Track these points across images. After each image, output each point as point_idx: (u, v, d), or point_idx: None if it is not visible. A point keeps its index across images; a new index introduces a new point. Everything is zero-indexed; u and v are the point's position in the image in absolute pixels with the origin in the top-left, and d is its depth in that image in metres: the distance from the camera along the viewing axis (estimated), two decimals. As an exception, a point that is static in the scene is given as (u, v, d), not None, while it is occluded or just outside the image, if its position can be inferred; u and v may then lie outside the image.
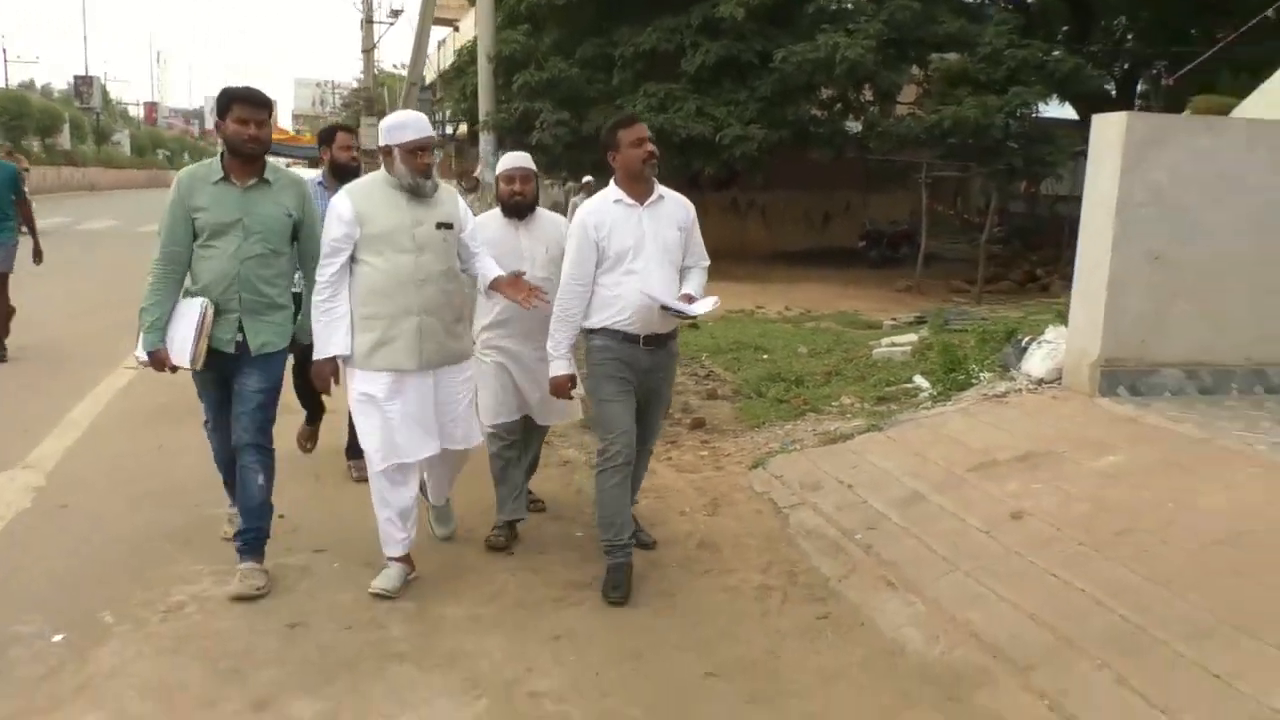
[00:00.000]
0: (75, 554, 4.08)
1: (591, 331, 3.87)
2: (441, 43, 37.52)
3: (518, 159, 4.33)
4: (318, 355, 3.67)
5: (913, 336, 8.31)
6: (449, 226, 3.75)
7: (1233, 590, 3.27)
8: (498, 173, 4.34)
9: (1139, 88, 21.77)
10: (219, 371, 3.70)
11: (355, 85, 50.87)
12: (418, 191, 3.66)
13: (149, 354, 3.60)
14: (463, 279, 3.93)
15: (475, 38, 19.21)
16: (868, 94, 17.95)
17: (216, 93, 3.66)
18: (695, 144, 16.52)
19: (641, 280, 3.77)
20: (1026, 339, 6.16)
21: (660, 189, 3.94)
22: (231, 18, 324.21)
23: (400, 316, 3.62)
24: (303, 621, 3.54)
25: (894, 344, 7.96)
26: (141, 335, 3.61)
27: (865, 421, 5.76)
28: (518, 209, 4.25)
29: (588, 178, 16.07)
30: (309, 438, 5.26)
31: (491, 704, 3.03)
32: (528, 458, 4.58)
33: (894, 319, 11.11)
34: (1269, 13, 10.14)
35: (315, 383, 3.81)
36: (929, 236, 16.88)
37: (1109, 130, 5.34)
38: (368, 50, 24.81)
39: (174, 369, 3.63)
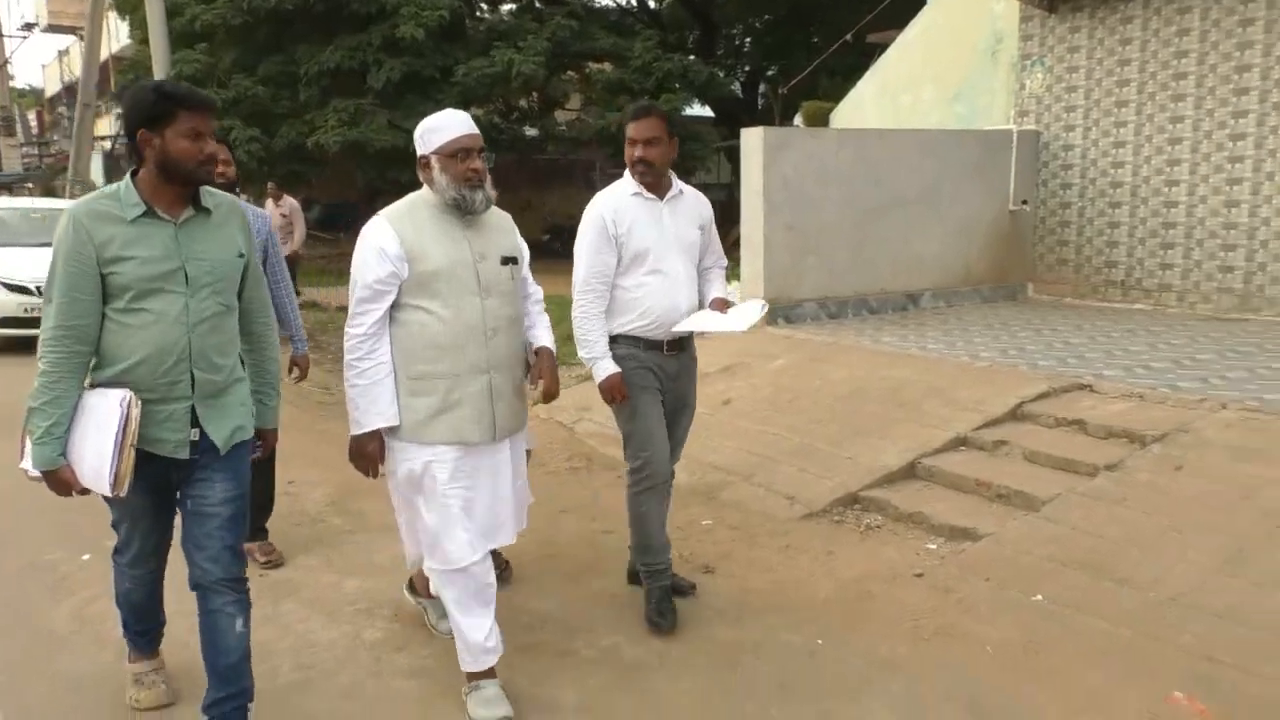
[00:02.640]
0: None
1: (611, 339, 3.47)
2: (64, 51, 34.98)
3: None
4: (358, 429, 2.89)
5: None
6: (514, 261, 3.06)
7: (852, 418, 5.52)
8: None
9: (761, 88, 25.71)
10: (152, 480, 2.61)
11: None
12: (467, 207, 2.90)
13: (44, 473, 2.50)
14: None
15: (135, 53, 18.86)
16: (539, 102, 20.05)
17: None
18: (391, 154, 17.71)
19: (669, 284, 3.44)
20: (711, 293, 8.40)
21: (679, 183, 3.59)
22: None
23: (467, 376, 2.90)
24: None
25: (609, 311, 9.98)
26: (31, 447, 2.48)
27: (607, 364, 7.67)
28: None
29: (270, 183, 16.60)
30: (267, 554, 4.14)
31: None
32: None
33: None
34: (848, 37, 13.36)
35: (356, 464, 2.95)
36: (607, 226, 19.32)
37: (752, 139, 7.64)
38: (1, 65, 22.94)
39: (84, 492, 2.54)
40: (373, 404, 2.86)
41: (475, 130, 2.95)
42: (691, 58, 19.99)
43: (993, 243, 9.02)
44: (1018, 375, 5.80)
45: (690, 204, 3.59)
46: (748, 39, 26.18)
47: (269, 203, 11.95)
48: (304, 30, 18.17)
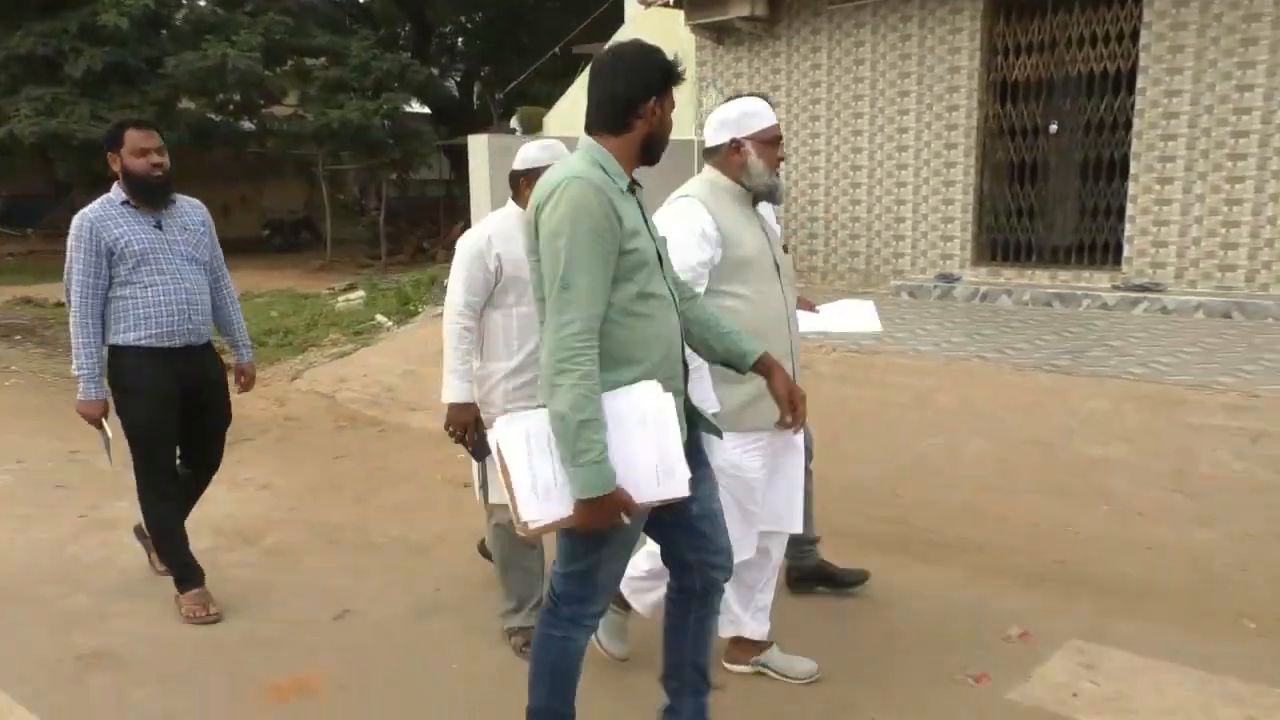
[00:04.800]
0: None
1: None
2: None
3: (559, 146, 3.20)
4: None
5: (360, 293, 11.23)
6: (786, 250, 3.07)
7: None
8: (544, 164, 3.05)
9: (476, 88, 26.82)
10: None
11: None
12: (776, 196, 2.92)
13: (588, 500, 2.10)
14: (453, 304, 3.20)
15: None
16: (258, 97, 19.97)
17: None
18: (96, 146, 17.05)
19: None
20: (446, 281, 9.52)
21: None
22: None
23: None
24: None
25: (349, 299, 10.81)
26: (581, 471, 2.09)
27: (357, 344, 8.61)
28: None
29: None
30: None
31: None
32: None
33: (331, 288, 13.81)
34: (555, 50, 14.88)
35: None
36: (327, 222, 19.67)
37: (479, 145, 8.89)
38: None
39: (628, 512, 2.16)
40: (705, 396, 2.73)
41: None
42: (408, 55, 20.72)
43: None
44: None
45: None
46: (460, 39, 27.22)
47: None
48: (-16, 12, 17.06)
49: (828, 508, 4.09)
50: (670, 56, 2.30)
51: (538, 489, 2.15)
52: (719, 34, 10.62)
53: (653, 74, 2.25)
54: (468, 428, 3.22)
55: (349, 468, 5.71)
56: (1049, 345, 6.56)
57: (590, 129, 2.29)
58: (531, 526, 2.15)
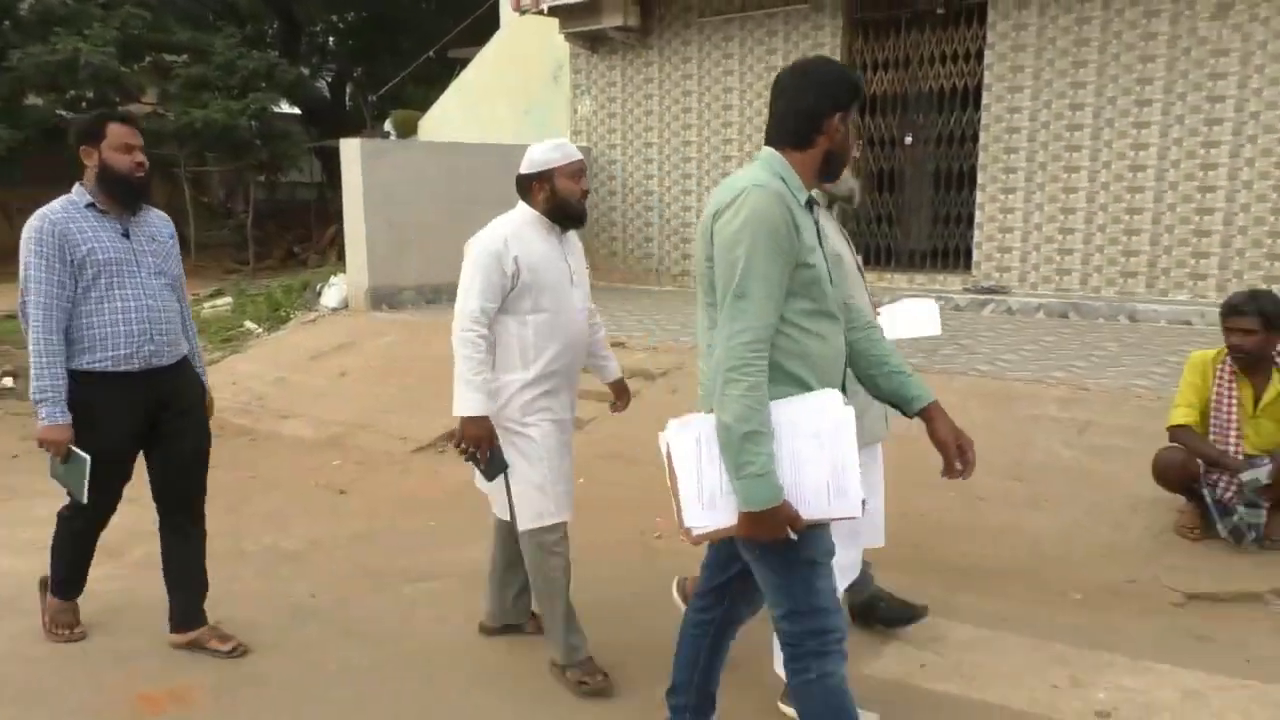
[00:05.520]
0: None
1: None
2: None
3: (570, 146, 3.19)
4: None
5: (227, 299, 10.91)
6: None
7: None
8: (557, 165, 3.13)
9: (349, 90, 26.23)
10: None
11: None
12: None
13: (754, 514, 2.08)
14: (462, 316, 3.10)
15: None
16: (114, 95, 19.05)
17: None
18: (-68, 144, 16.02)
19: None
20: (320, 285, 9.37)
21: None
22: None
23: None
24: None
25: (215, 305, 10.49)
26: (746, 484, 2.07)
27: (226, 351, 8.38)
28: (579, 216, 3.22)
29: None
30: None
31: None
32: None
33: (195, 294, 13.35)
34: (431, 53, 14.77)
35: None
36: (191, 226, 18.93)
37: (351, 149, 8.76)
38: None
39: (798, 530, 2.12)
40: None
41: None
42: (276, 54, 20.14)
43: (560, 238, 10.90)
44: (574, 339, 7.60)
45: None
46: (331, 38, 26.57)
47: None
48: None
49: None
50: (855, 74, 2.17)
51: (703, 497, 2.11)
52: (593, 43, 10.78)
53: (839, 89, 2.20)
54: (482, 443, 3.00)
55: (219, 477, 5.53)
56: (905, 345, 6.95)
57: (772, 142, 2.25)
58: (695, 534, 2.12)
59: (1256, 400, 4.03)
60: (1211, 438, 4.03)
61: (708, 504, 2.11)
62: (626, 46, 10.61)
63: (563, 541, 3.13)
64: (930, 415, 2.35)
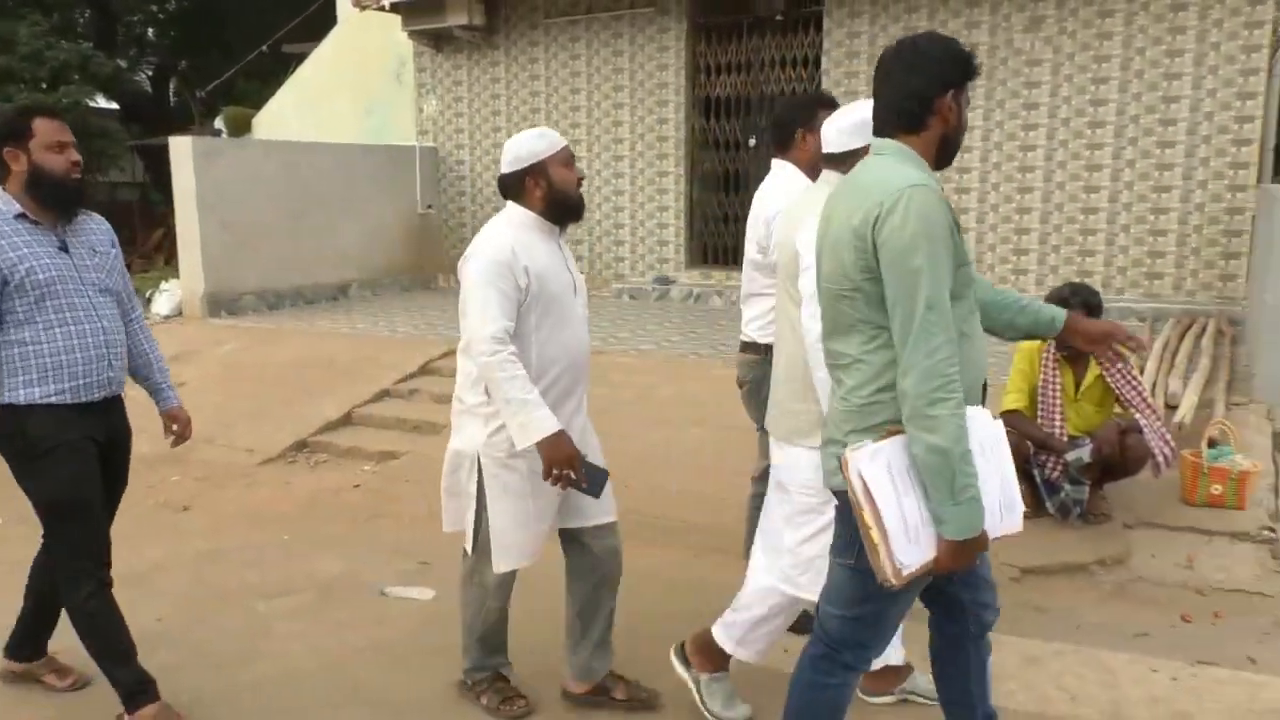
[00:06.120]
0: None
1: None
2: None
3: (554, 133, 2.94)
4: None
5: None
6: None
7: (297, 385, 6.67)
8: (548, 154, 2.85)
9: (173, 84, 24.80)
10: None
11: None
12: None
13: (961, 542, 1.94)
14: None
15: None
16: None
17: None
18: None
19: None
20: (150, 292, 8.82)
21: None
22: None
23: None
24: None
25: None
26: (958, 511, 1.92)
27: (44, 364, 7.79)
28: (580, 207, 3.02)
29: None
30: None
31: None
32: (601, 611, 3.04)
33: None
34: (264, 48, 14.13)
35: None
36: None
37: (182, 147, 8.30)
38: None
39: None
40: None
41: None
42: (89, 45, 18.83)
43: (407, 241, 10.67)
44: (426, 342, 7.42)
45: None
46: (150, 29, 25.03)
47: None
48: None
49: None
50: (965, 48, 2.07)
51: (909, 531, 1.92)
52: (437, 41, 10.60)
53: (951, 66, 2.04)
54: (573, 461, 2.65)
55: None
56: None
57: (883, 130, 2.08)
58: (905, 574, 1.91)
59: (1078, 385, 4.37)
60: (1039, 421, 4.35)
61: (912, 538, 1.93)
62: (472, 46, 10.48)
63: (510, 585, 2.95)
64: (1074, 322, 2.42)
